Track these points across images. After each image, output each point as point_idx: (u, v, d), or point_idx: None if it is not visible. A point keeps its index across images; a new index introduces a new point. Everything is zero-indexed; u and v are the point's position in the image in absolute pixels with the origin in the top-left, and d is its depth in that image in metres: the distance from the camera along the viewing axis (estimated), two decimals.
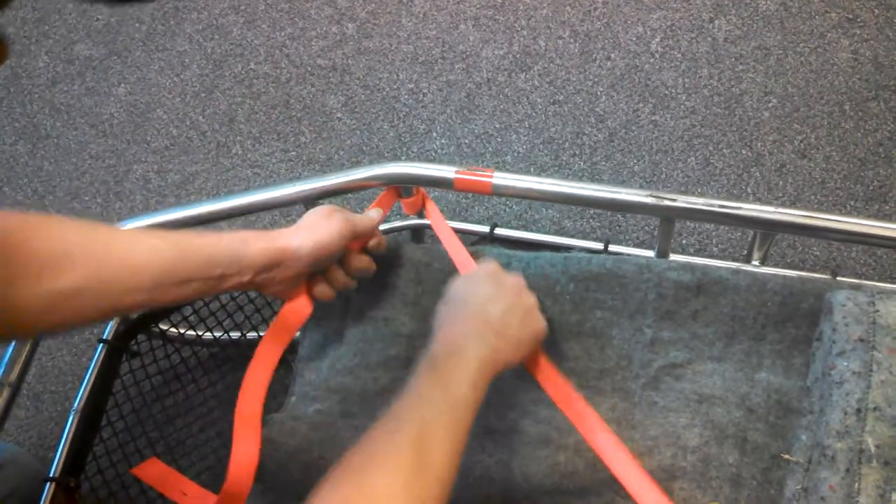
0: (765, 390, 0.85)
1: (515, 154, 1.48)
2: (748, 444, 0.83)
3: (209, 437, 1.08)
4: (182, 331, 1.16)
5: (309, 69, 1.62)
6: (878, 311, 0.74)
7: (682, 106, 1.48)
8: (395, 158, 1.50)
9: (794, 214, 0.83)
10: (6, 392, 0.87)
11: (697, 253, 1.30)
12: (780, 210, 0.83)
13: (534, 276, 0.94)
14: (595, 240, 1.06)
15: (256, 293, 1.13)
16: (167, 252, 0.74)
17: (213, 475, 0.97)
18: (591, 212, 1.40)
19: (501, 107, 1.53)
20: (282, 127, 1.59)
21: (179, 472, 1.03)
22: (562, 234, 1.16)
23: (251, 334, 1.15)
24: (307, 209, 1.02)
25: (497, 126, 1.51)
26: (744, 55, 1.52)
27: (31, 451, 1.32)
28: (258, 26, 1.68)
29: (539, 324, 0.80)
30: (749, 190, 1.39)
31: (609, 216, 1.39)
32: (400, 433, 0.63)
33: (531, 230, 1.16)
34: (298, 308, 0.86)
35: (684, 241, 1.35)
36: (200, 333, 1.17)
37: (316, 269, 0.83)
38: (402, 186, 0.98)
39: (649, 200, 0.87)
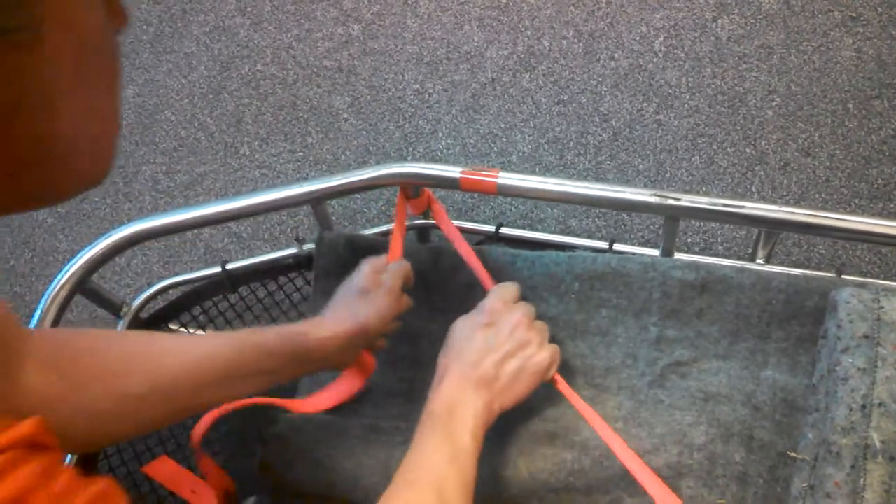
0: (770, 388, 0.85)
1: (520, 154, 1.48)
2: (754, 442, 0.82)
3: (219, 435, 1.08)
4: (192, 331, 1.16)
5: (315, 70, 1.62)
6: (882, 307, 0.73)
7: (686, 105, 1.48)
8: (402, 158, 1.50)
9: (797, 213, 0.82)
10: None
11: (702, 251, 1.30)
12: (784, 209, 0.83)
13: (539, 275, 0.94)
14: (600, 239, 1.06)
15: (266, 292, 1.13)
16: (224, 349, 0.75)
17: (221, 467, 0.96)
18: (597, 211, 1.39)
19: (506, 107, 1.53)
20: (289, 128, 1.59)
21: (190, 469, 1.03)
22: (567, 233, 1.16)
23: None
24: (314, 210, 1.02)
25: (502, 126, 1.51)
26: (747, 54, 1.51)
27: None
28: (265, 28, 1.68)
29: (544, 355, 0.80)
30: (753, 188, 1.39)
31: (615, 215, 1.38)
32: (420, 483, 0.67)
33: (537, 229, 1.16)
34: (366, 363, 0.91)
35: (689, 240, 1.35)
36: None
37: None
38: (409, 188, 0.98)
39: (653, 200, 0.87)
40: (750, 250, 0.99)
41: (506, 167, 1.43)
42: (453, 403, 0.74)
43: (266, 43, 1.67)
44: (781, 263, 0.93)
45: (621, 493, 0.82)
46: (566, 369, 0.87)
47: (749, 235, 1.32)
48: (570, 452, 0.83)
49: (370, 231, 1.10)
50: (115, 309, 1.07)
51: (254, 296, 1.13)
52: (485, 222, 1.13)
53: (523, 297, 0.88)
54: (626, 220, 1.38)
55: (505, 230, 1.10)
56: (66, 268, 0.96)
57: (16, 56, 0.36)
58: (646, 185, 1.39)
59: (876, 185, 1.36)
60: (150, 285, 1.11)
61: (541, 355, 0.80)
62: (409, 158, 1.50)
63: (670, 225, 0.93)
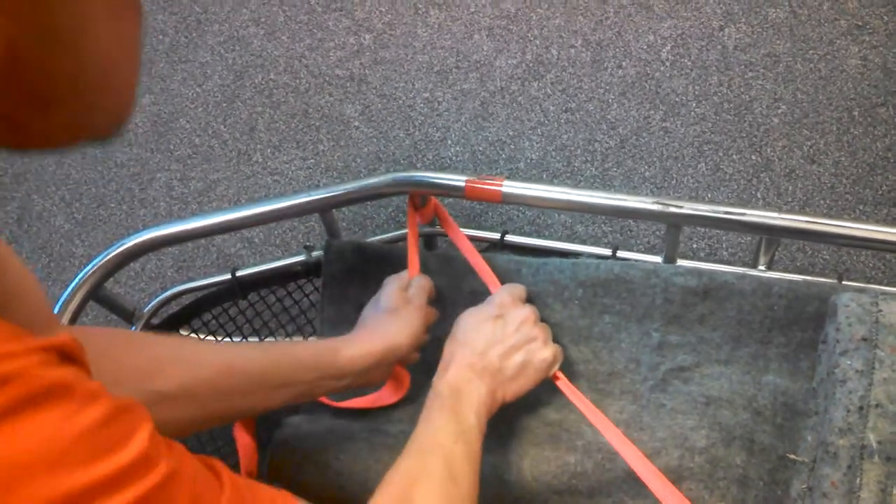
0: (771, 393, 0.85)
1: (528, 161, 1.49)
2: (755, 446, 0.83)
3: (228, 441, 1.09)
4: (202, 336, 1.17)
5: (327, 79, 1.64)
6: (881, 311, 0.74)
7: (693, 113, 1.48)
8: (411, 166, 1.51)
9: (797, 220, 0.83)
10: None
11: (707, 257, 1.30)
12: (784, 216, 0.83)
13: (543, 281, 0.95)
14: (606, 244, 1.06)
15: (276, 299, 1.14)
16: (259, 358, 0.76)
17: (235, 462, 0.97)
18: (603, 217, 1.40)
19: (515, 115, 1.53)
20: (301, 135, 1.60)
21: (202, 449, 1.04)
22: (574, 239, 1.17)
23: (269, 339, 1.16)
24: (322, 218, 1.03)
25: (510, 133, 1.52)
26: (753, 62, 1.52)
27: None
28: (278, 38, 1.70)
29: (547, 353, 0.82)
30: (759, 195, 1.39)
31: (620, 221, 1.39)
32: (429, 455, 0.68)
33: (544, 235, 1.16)
34: (401, 378, 0.92)
35: (695, 246, 1.35)
36: (220, 339, 1.18)
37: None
38: (417, 198, 0.99)
39: (655, 207, 0.87)
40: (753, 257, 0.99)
41: (514, 174, 1.44)
42: (459, 387, 0.75)
43: (279, 52, 1.68)
44: (786, 269, 0.93)
45: (623, 495, 0.83)
46: (570, 374, 0.87)
47: (754, 241, 1.32)
48: (572, 455, 0.84)
49: (379, 238, 1.11)
50: (127, 314, 1.09)
51: (263, 302, 1.14)
52: (492, 228, 1.13)
53: (528, 302, 0.89)
54: (632, 227, 1.39)
55: (510, 237, 1.10)
56: (81, 274, 0.97)
57: None
58: (652, 192, 1.40)
59: (881, 192, 1.36)
60: (163, 290, 1.13)
61: (545, 352, 0.82)
62: (418, 166, 1.51)
63: (672, 232, 0.93)
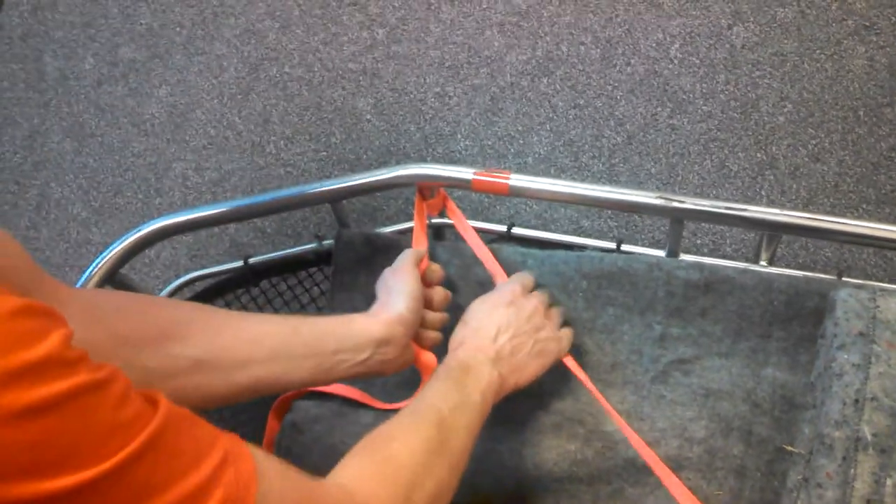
0: (770, 385, 0.86)
1: (536, 156, 1.49)
2: (753, 437, 0.83)
3: (239, 422, 1.10)
4: None
5: (340, 73, 1.65)
6: (878, 306, 0.74)
7: (699, 110, 1.49)
8: (421, 159, 1.52)
9: (797, 216, 0.83)
10: None
11: (711, 253, 1.31)
12: (785, 212, 0.84)
13: (548, 273, 0.95)
14: (612, 239, 1.07)
15: (287, 286, 1.15)
16: (280, 326, 0.75)
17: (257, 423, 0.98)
18: (609, 212, 1.41)
19: (524, 110, 1.54)
20: (314, 128, 1.61)
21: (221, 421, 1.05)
22: (580, 233, 1.17)
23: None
24: (333, 208, 1.04)
25: (519, 129, 1.52)
26: (761, 61, 1.52)
27: None
28: (293, 31, 1.70)
29: (555, 345, 0.83)
30: (763, 192, 1.39)
31: (625, 216, 1.39)
32: (423, 415, 0.67)
33: (550, 229, 1.17)
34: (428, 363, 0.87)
35: (699, 241, 1.36)
36: None
37: (419, 324, 0.84)
38: (426, 189, 0.99)
39: (658, 202, 0.88)
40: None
41: (522, 169, 1.45)
42: (469, 364, 0.75)
43: (294, 46, 1.69)
44: (788, 265, 0.94)
45: (623, 483, 0.83)
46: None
47: (757, 238, 1.33)
48: (573, 443, 0.85)
49: (388, 229, 1.12)
50: None
51: (274, 289, 1.15)
52: (500, 222, 1.14)
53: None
54: (636, 222, 1.39)
55: (516, 230, 1.11)
56: (98, 260, 0.98)
57: None
58: (658, 188, 1.40)
59: (884, 191, 1.36)
60: (177, 277, 1.14)
61: (555, 339, 0.83)
62: (428, 159, 1.52)
63: (675, 227, 0.94)
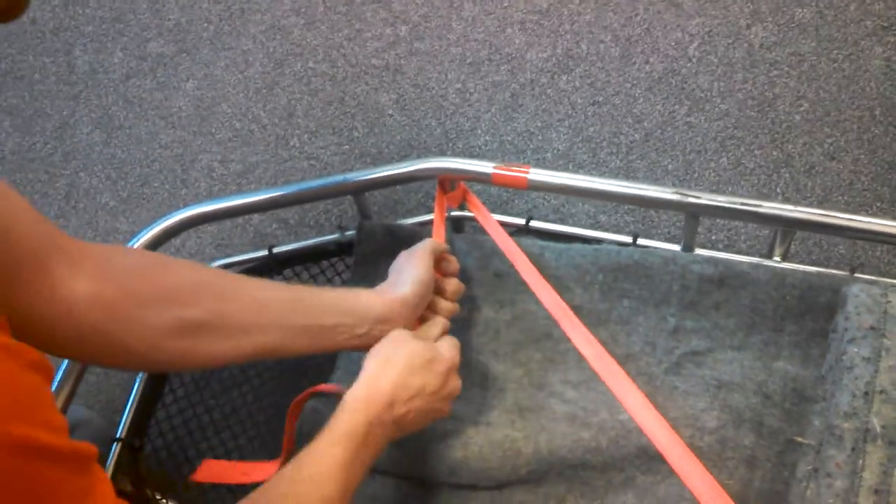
0: (782, 378, 0.86)
1: (555, 151, 1.50)
2: (764, 429, 0.84)
3: (262, 406, 1.12)
4: None
5: (364, 68, 1.66)
6: (890, 301, 0.75)
7: (717, 108, 1.49)
8: (442, 154, 1.53)
9: (811, 213, 0.84)
10: None
11: (726, 248, 1.31)
12: (798, 208, 0.84)
13: (565, 265, 0.96)
14: (628, 233, 1.07)
15: (309, 276, 1.17)
16: (284, 294, 0.77)
17: (263, 442, 1.00)
18: (626, 207, 1.41)
19: (543, 107, 1.55)
20: (337, 122, 1.62)
21: (233, 437, 1.07)
22: (597, 228, 1.18)
23: None
24: (356, 200, 1.05)
25: (539, 125, 1.53)
26: (778, 61, 1.52)
27: (99, 413, 1.37)
28: (317, 28, 1.72)
29: (445, 406, 0.80)
30: (778, 190, 1.39)
31: (642, 212, 1.40)
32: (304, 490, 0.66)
33: (568, 223, 1.17)
34: None
35: (714, 237, 1.36)
36: None
37: (421, 310, 0.85)
38: (446, 182, 1.01)
39: (674, 197, 0.89)
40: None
41: (540, 164, 1.46)
42: (361, 434, 0.71)
43: (318, 42, 1.70)
44: (801, 262, 0.94)
45: (635, 471, 0.84)
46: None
47: (771, 234, 1.33)
48: (587, 431, 0.86)
49: (408, 221, 1.13)
50: None
51: (297, 278, 1.17)
52: (518, 215, 1.15)
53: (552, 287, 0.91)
54: (653, 217, 1.40)
55: (535, 223, 1.12)
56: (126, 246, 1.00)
57: None
58: (674, 184, 1.41)
59: None
60: None
61: (448, 400, 0.79)
62: (448, 153, 1.53)
63: (691, 222, 0.95)
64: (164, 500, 0.99)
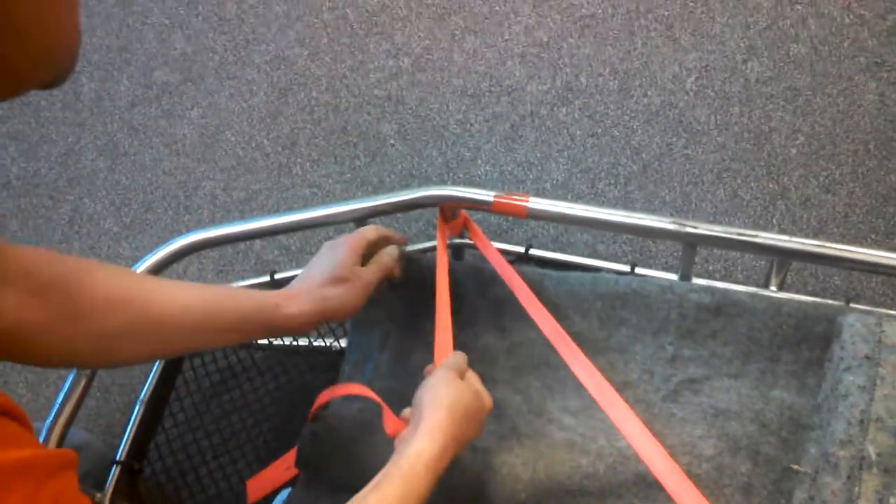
0: (778, 407, 0.86)
1: (554, 182, 1.51)
2: (760, 457, 0.84)
3: (261, 431, 1.12)
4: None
5: (366, 99, 1.67)
6: (884, 331, 0.75)
7: (714, 141, 1.50)
8: (443, 182, 1.54)
9: (806, 243, 0.85)
10: (83, 380, 0.92)
11: (723, 278, 1.31)
12: (794, 239, 0.85)
13: (564, 293, 0.97)
14: (626, 263, 1.08)
15: None
16: (207, 301, 0.79)
17: (262, 466, 1.00)
18: (624, 237, 1.42)
19: (543, 138, 1.56)
20: (339, 151, 1.63)
21: (232, 462, 1.07)
22: (595, 257, 1.18)
23: (303, 340, 1.19)
24: (358, 227, 1.06)
25: (538, 155, 1.54)
26: (774, 95, 1.53)
27: (99, 437, 1.37)
28: (321, 59, 1.73)
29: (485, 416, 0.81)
30: (774, 221, 1.40)
31: (640, 242, 1.41)
32: None
33: (566, 252, 1.18)
34: None
35: (711, 268, 1.37)
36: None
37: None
38: (447, 210, 1.01)
39: (672, 227, 0.89)
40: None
41: (540, 194, 1.46)
42: (436, 458, 0.71)
43: (322, 72, 1.72)
44: (798, 292, 0.95)
45: (633, 497, 0.84)
46: None
47: (768, 265, 1.33)
48: (585, 458, 0.86)
49: (409, 248, 1.13)
50: None
51: None
52: (518, 245, 1.15)
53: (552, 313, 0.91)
54: (650, 247, 1.41)
55: (534, 251, 1.12)
56: None
57: None
58: (672, 215, 1.41)
59: (893, 222, 1.37)
60: None
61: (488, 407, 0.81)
62: (449, 183, 1.54)
63: (688, 251, 0.95)
64: None
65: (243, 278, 1.18)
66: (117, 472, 0.96)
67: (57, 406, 0.91)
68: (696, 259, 1.31)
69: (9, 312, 0.67)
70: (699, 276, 1.04)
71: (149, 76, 1.78)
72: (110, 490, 0.95)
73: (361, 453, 0.89)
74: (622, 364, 0.93)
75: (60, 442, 0.90)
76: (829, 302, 0.93)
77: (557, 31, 1.67)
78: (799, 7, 1.61)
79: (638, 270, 1.07)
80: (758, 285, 0.99)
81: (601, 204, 1.46)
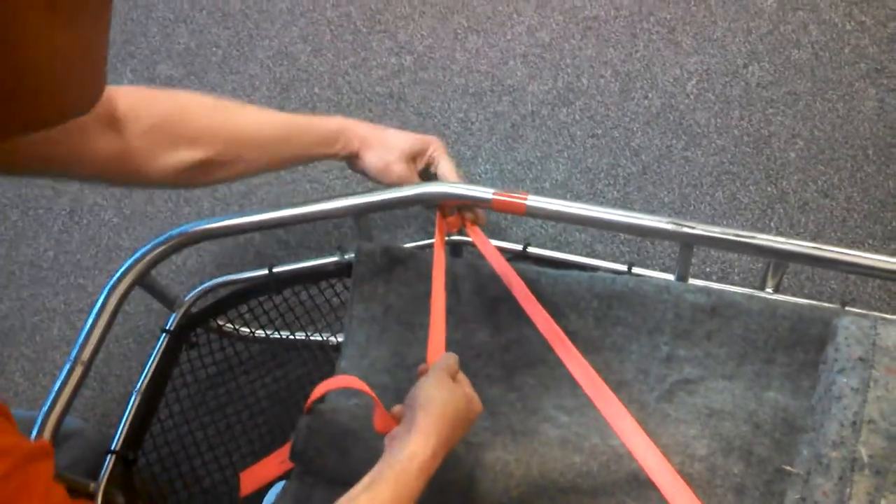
0: (772, 408, 0.86)
1: (554, 181, 1.51)
2: (753, 457, 0.84)
3: (256, 424, 1.11)
4: (237, 327, 1.20)
5: (368, 96, 1.67)
6: (878, 334, 0.75)
7: (713, 144, 1.50)
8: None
9: (803, 245, 0.84)
10: (79, 369, 0.92)
11: (720, 280, 1.31)
12: (791, 241, 0.85)
13: (561, 292, 0.97)
14: (623, 263, 1.08)
15: (308, 296, 1.17)
16: (279, 132, 0.99)
17: (256, 458, 1.00)
18: (621, 237, 1.42)
19: (543, 138, 1.56)
20: None
21: (227, 454, 1.07)
22: (593, 257, 1.18)
23: (299, 334, 1.19)
24: (357, 222, 1.06)
25: (538, 155, 1.54)
26: (774, 99, 1.53)
27: (94, 426, 1.37)
28: (324, 55, 1.73)
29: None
30: (772, 225, 1.40)
31: (637, 242, 1.40)
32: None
33: (564, 251, 1.18)
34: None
35: (708, 269, 1.37)
36: (253, 331, 1.21)
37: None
38: (447, 207, 1.01)
39: (670, 227, 0.89)
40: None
41: (539, 193, 1.46)
42: (424, 462, 0.72)
43: (324, 69, 1.72)
44: (794, 295, 0.95)
45: (625, 496, 0.84)
46: None
47: (764, 267, 1.33)
48: (579, 456, 0.86)
49: (408, 245, 1.13)
50: (168, 302, 1.12)
51: (296, 298, 1.17)
52: (516, 243, 1.15)
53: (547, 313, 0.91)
54: (648, 248, 1.40)
55: (532, 249, 1.12)
56: (129, 262, 1.00)
57: None
58: (670, 217, 1.41)
59: (890, 228, 1.37)
60: (202, 283, 1.16)
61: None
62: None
63: (685, 252, 0.95)
64: None
65: (242, 271, 1.18)
66: (112, 462, 0.96)
67: (52, 395, 0.91)
68: (694, 260, 1.30)
69: (112, 151, 0.85)
70: (696, 277, 1.04)
71: (152, 70, 1.78)
72: (104, 480, 0.95)
73: (356, 447, 0.89)
74: (617, 363, 0.93)
75: (56, 431, 0.90)
76: (825, 305, 0.93)
77: (560, 32, 1.66)
78: (801, 13, 1.61)
79: (635, 270, 1.06)
80: (754, 287, 0.99)
81: (600, 204, 1.45)
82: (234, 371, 1.17)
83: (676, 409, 0.89)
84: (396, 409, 0.81)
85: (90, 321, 0.95)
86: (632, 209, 1.43)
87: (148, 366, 1.06)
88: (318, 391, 0.90)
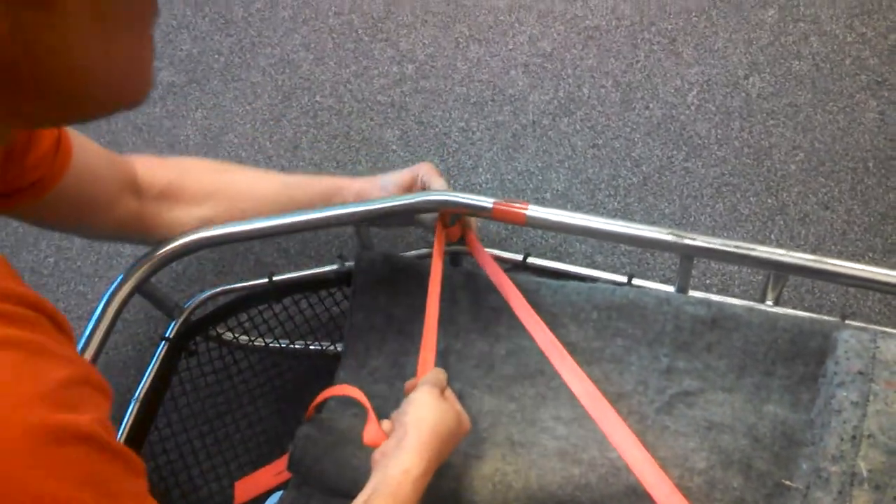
0: (772, 422, 0.86)
1: (554, 191, 1.50)
2: (753, 471, 0.84)
3: (255, 433, 1.11)
4: (237, 335, 1.20)
5: (369, 104, 1.67)
6: (878, 347, 0.75)
7: (714, 155, 1.50)
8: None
9: (803, 258, 0.84)
10: None
11: (720, 292, 1.31)
12: (791, 253, 0.84)
13: (560, 302, 0.96)
14: (623, 274, 1.08)
15: (308, 304, 1.17)
16: (280, 193, 1.05)
17: (255, 468, 1.00)
18: (622, 248, 1.41)
19: (544, 148, 1.56)
20: (341, 155, 1.63)
21: (224, 463, 1.07)
22: (593, 268, 1.18)
23: (299, 343, 1.19)
24: (357, 231, 1.05)
25: (539, 165, 1.54)
26: (775, 111, 1.53)
27: None
28: (326, 63, 1.73)
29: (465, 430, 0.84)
30: (773, 237, 1.40)
31: (638, 253, 1.40)
32: None
33: (564, 262, 1.18)
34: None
35: (708, 281, 1.36)
36: (253, 339, 1.21)
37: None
38: (446, 217, 1.01)
39: (669, 238, 0.89)
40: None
41: (539, 203, 1.46)
42: (414, 475, 0.73)
43: (326, 77, 1.72)
44: (795, 308, 0.94)
45: None
46: None
47: (765, 279, 1.33)
48: (577, 468, 0.85)
49: (408, 254, 1.13)
50: (168, 310, 1.12)
51: (296, 307, 1.17)
52: (516, 253, 1.15)
53: (547, 323, 0.91)
54: (648, 259, 1.40)
55: (532, 260, 1.12)
56: (129, 269, 1.00)
57: (32, 14, 0.42)
58: (670, 228, 1.41)
59: (890, 241, 1.36)
60: (202, 291, 1.15)
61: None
62: (449, 190, 1.53)
63: (685, 263, 0.95)
64: None
65: (242, 279, 1.18)
66: None
67: None
68: (694, 273, 1.30)
69: (132, 212, 0.95)
70: (696, 289, 1.04)
71: (154, 76, 1.78)
72: None
73: (355, 457, 0.89)
74: (617, 375, 0.93)
75: None
76: (825, 318, 0.92)
77: (561, 42, 1.67)
78: (801, 24, 1.61)
79: (635, 282, 1.06)
80: (754, 299, 0.99)
81: (600, 215, 1.45)
82: (234, 379, 1.17)
83: (676, 421, 0.89)
84: (385, 423, 0.82)
85: (89, 328, 0.94)
86: (632, 220, 1.44)
87: (147, 373, 1.06)
88: (317, 401, 0.90)
